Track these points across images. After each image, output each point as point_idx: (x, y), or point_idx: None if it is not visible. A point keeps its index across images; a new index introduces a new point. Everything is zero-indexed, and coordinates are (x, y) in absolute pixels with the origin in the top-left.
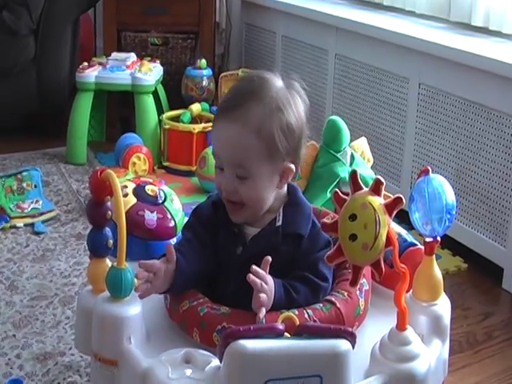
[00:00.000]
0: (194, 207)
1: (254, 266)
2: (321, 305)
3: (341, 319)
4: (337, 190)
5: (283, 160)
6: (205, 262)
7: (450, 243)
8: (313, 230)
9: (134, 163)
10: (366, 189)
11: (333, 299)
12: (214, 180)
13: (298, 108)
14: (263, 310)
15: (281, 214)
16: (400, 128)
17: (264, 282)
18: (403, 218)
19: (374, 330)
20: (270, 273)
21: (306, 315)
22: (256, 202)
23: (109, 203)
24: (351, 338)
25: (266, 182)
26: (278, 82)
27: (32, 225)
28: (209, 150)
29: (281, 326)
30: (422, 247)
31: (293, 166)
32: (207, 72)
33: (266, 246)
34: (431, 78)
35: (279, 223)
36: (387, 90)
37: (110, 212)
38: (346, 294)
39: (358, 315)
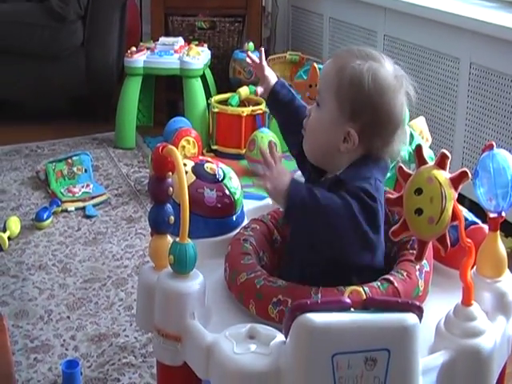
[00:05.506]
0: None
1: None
2: (378, 283)
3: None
4: (401, 164)
5: (349, 119)
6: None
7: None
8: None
9: (184, 147)
10: (431, 163)
11: (391, 278)
12: None
13: (382, 89)
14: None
15: (344, 167)
16: (451, 109)
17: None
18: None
19: (437, 307)
20: None
21: (362, 292)
22: (310, 134)
23: (170, 180)
24: (418, 311)
25: (330, 120)
26: (389, 68)
27: (83, 208)
28: (258, 133)
29: (348, 300)
30: (483, 226)
31: (355, 134)
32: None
33: None
34: (482, 58)
35: (338, 173)
36: (438, 71)
37: (171, 188)
38: (405, 274)
39: (417, 296)
